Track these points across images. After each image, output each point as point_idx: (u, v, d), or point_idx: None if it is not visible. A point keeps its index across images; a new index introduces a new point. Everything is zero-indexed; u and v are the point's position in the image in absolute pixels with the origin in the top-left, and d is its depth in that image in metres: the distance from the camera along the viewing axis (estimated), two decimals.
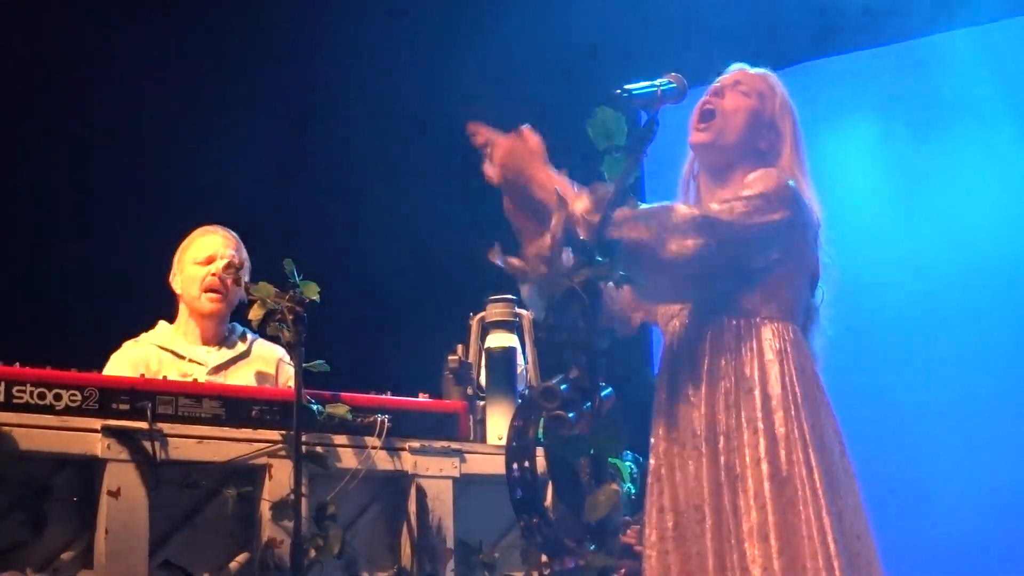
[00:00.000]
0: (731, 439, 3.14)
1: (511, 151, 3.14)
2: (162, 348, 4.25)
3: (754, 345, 3.19)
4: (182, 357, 4.23)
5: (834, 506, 3.09)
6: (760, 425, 3.12)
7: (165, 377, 3.73)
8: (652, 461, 3.27)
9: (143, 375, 3.73)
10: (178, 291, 4.35)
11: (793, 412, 3.12)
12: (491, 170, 3.15)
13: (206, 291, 4.26)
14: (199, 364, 4.23)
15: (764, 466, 3.09)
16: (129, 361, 4.16)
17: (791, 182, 3.24)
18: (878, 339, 5.78)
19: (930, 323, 5.84)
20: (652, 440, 3.28)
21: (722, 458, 3.13)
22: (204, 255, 4.30)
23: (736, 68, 3.47)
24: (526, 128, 3.15)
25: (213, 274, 4.24)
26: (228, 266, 4.08)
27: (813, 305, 3.34)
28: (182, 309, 4.36)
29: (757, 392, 3.15)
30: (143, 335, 4.32)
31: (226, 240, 4.35)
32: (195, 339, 4.32)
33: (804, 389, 3.16)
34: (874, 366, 5.71)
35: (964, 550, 5.53)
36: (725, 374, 3.18)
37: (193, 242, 4.37)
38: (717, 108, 3.34)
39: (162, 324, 4.36)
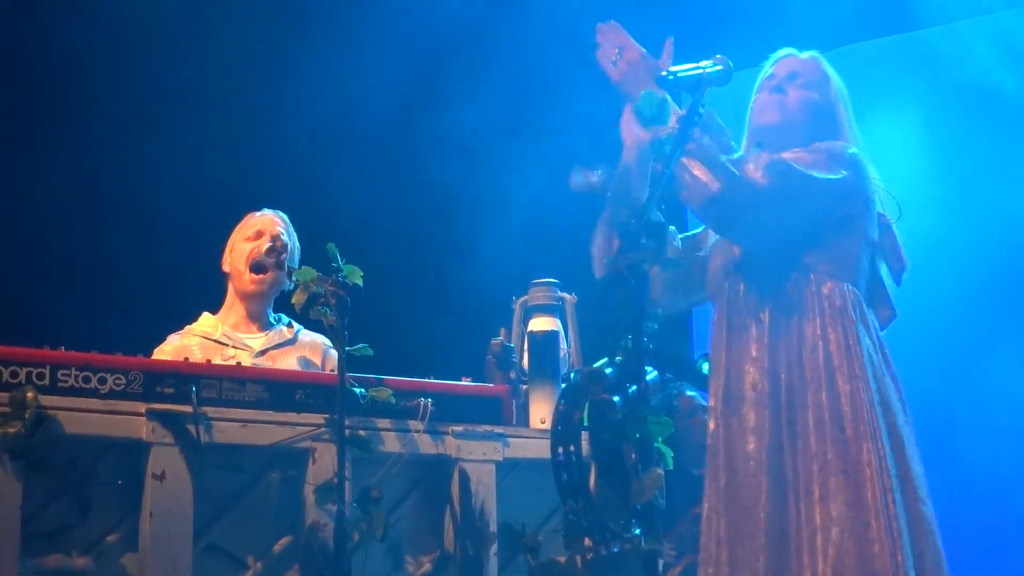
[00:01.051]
0: (793, 396, 3.13)
1: (642, 59, 3.24)
2: (206, 338, 4.28)
3: (815, 303, 3.18)
4: (226, 345, 4.26)
5: (898, 468, 3.08)
6: (823, 383, 3.11)
7: (209, 361, 3.74)
8: (711, 424, 3.27)
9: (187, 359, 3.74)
10: (227, 270, 4.43)
11: (857, 370, 3.12)
12: (612, 71, 3.27)
13: (251, 267, 4.32)
14: (244, 349, 4.26)
15: (828, 426, 3.08)
16: (171, 354, 4.18)
17: (855, 150, 3.25)
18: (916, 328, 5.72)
19: (971, 308, 5.78)
20: (711, 403, 3.28)
21: (784, 414, 3.13)
22: (253, 231, 4.43)
23: (785, 55, 3.46)
24: (669, 44, 3.27)
25: (259, 247, 4.31)
26: (271, 250, 4.13)
27: (879, 280, 3.33)
28: (229, 292, 4.43)
29: (820, 350, 3.14)
30: (187, 327, 4.36)
31: (275, 219, 4.48)
32: (240, 321, 4.37)
33: (867, 348, 3.15)
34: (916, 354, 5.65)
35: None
36: (786, 330, 3.19)
37: (245, 223, 4.49)
38: (781, 103, 3.36)
39: (205, 315, 4.41)
